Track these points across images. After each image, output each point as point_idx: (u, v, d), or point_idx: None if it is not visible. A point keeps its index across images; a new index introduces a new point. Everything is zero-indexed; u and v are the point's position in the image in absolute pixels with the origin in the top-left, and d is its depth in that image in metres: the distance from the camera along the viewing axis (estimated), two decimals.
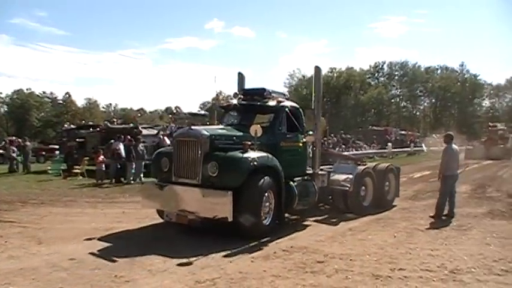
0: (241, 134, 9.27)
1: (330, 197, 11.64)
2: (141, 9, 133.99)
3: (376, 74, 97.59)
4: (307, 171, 10.62)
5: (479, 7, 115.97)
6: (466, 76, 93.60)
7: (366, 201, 11.77)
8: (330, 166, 12.12)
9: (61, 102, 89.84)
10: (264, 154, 8.88)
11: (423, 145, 46.32)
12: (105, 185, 17.78)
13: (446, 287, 5.91)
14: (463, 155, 32.43)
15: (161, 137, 20.98)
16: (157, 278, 6.18)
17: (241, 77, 11.89)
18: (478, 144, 40.13)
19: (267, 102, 10.21)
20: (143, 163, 18.88)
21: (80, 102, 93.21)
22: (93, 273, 6.35)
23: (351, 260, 7.05)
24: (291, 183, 9.52)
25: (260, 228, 8.54)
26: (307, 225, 10.08)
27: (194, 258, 7.03)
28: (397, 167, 13.40)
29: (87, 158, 20.92)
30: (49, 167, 23.43)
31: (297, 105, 10.75)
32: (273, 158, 9.04)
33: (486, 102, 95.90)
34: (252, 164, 8.43)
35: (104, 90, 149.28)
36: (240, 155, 8.50)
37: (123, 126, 25.81)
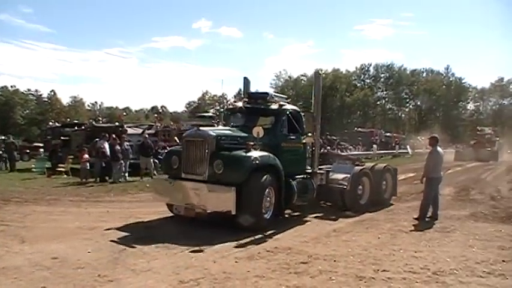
0: (245, 134, 9.93)
1: (329, 195, 12.12)
2: (128, 7, 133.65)
3: (362, 76, 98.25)
4: (307, 170, 11.36)
5: (465, 11, 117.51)
6: (451, 79, 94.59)
7: (363, 199, 12.28)
8: (330, 166, 12.89)
9: (46, 100, 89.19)
10: (266, 153, 9.57)
11: (408, 147, 46.60)
12: (89, 183, 17.63)
13: None
14: (453, 157, 35.65)
15: (147, 136, 20.86)
16: (140, 277, 6.15)
17: (246, 82, 12.48)
18: (467, 147, 42.73)
19: (269, 105, 10.90)
20: (128, 162, 18.82)
21: (65, 100, 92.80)
22: (76, 272, 6.31)
23: (334, 261, 7.06)
24: (291, 180, 10.17)
25: (261, 221, 9.18)
26: (306, 221, 10.60)
27: (177, 252, 7.03)
28: (394, 168, 14.08)
29: (71, 157, 20.76)
30: (33, 165, 23.24)
31: (298, 109, 11.60)
32: (274, 157, 9.73)
33: (471, 106, 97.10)
34: (254, 162, 9.12)
35: (89, 89, 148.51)
36: (243, 154, 9.22)
37: (108, 124, 25.69)
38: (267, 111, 10.84)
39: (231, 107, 12.76)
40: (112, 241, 8.14)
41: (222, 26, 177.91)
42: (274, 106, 10.86)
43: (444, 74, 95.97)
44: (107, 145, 18.54)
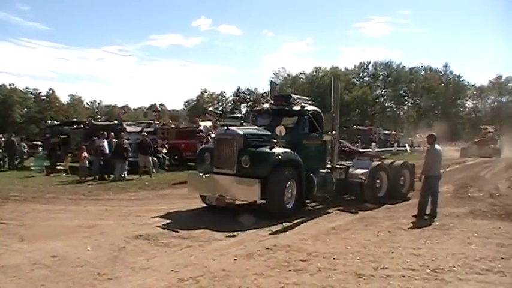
0: (269, 133, 10.99)
1: (349, 189, 13.22)
2: (126, 5, 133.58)
3: (361, 74, 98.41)
4: (327, 166, 12.48)
5: (463, 9, 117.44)
6: (449, 77, 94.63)
7: (380, 192, 13.25)
8: (350, 162, 13.86)
9: (44, 98, 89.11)
10: (288, 150, 10.62)
11: (406, 145, 46.69)
12: (88, 182, 17.60)
13: (428, 285, 5.95)
14: (459, 154, 38.66)
15: (145, 134, 20.82)
16: (140, 275, 6.15)
17: (273, 86, 13.99)
18: (471, 145, 45.35)
19: (292, 107, 12.03)
20: (127, 160, 18.77)
21: (63, 98, 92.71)
22: (76, 270, 6.31)
23: (334, 258, 7.06)
24: (311, 174, 11.23)
25: (284, 211, 10.23)
26: (328, 213, 11.36)
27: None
28: (412, 164, 14.75)
29: (70, 155, 20.71)
30: (32, 164, 23.20)
31: (318, 110, 12.56)
32: (295, 154, 10.72)
33: (469, 103, 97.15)
34: (277, 158, 10.19)
35: (87, 87, 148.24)
36: (268, 150, 10.27)
37: (107, 123, 25.66)
38: (290, 112, 11.91)
39: (258, 108, 14.17)
40: (111, 239, 8.14)
41: (222, 24, 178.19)
42: (296, 107, 11.95)
43: (443, 72, 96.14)
44: (105, 143, 18.55)
